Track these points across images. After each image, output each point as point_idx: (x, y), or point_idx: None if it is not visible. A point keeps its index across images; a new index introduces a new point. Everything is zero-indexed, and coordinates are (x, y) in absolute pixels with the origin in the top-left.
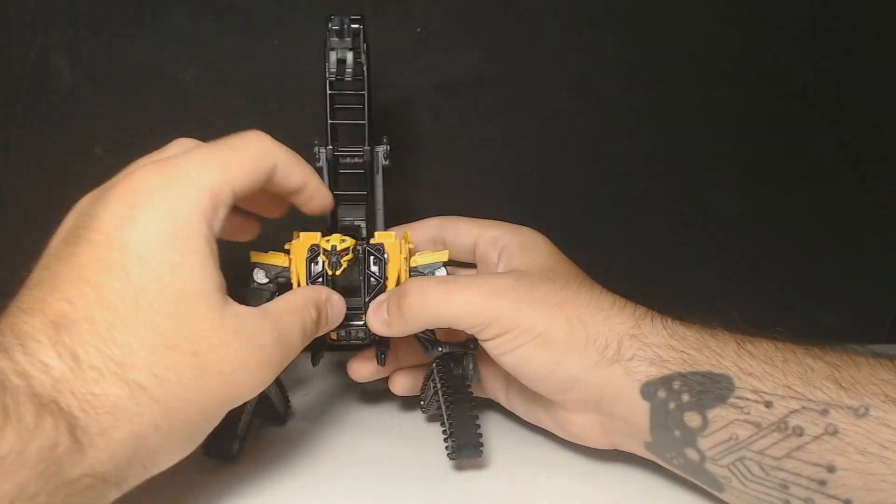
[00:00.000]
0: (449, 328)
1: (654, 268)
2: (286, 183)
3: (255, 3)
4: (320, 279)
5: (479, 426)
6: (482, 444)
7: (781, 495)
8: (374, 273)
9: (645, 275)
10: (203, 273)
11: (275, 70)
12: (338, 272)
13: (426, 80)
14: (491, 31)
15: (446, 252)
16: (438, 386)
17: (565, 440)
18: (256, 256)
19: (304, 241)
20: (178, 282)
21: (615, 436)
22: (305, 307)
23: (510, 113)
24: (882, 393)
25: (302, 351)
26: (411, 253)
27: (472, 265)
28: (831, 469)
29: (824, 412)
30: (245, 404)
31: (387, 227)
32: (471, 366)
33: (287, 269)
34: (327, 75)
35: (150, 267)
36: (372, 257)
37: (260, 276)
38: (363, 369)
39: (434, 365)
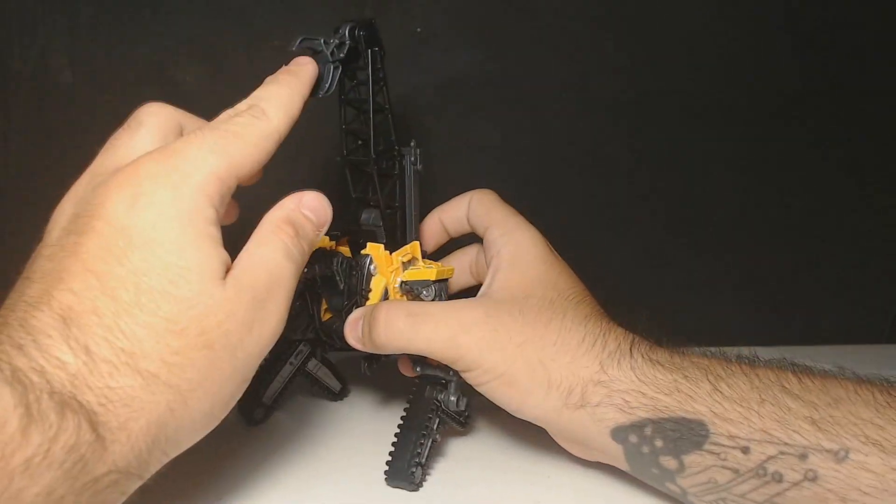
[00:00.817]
0: None
1: (653, 267)
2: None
3: (255, 3)
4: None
5: (418, 458)
6: (415, 478)
7: None
8: (353, 285)
9: (643, 274)
10: (206, 251)
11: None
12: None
13: (426, 80)
14: (491, 31)
15: (434, 269)
16: (408, 407)
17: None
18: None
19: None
20: (181, 262)
21: (602, 459)
22: (278, 229)
23: (510, 113)
24: (862, 434)
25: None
26: (405, 266)
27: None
28: None
29: (803, 457)
30: (276, 374)
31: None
32: (453, 396)
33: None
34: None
35: (153, 250)
36: (353, 269)
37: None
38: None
39: (416, 382)
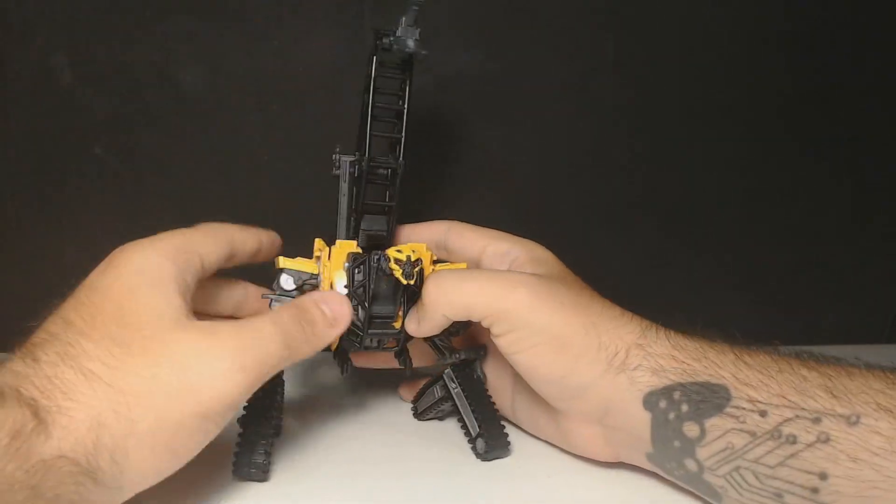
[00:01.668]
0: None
1: (653, 267)
2: (246, 248)
3: (255, 3)
4: (361, 288)
5: (504, 426)
6: (510, 443)
7: None
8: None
9: (643, 273)
10: (161, 296)
11: (275, 70)
12: (411, 281)
13: (426, 80)
14: (491, 31)
15: (464, 264)
16: (460, 391)
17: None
18: (284, 262)
19: (342, 248)
20: (133, 303)
21: (619, 447)
22: (282, 307)
23: (510, 113)
24: (874, 402)
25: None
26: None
27: None
28: (823, 476)
29: (817, 420)
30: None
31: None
32: (480, 372)
33: (315, 277)
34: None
35: (110, 294)
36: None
37: (288, 283)
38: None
39: (446, 373)
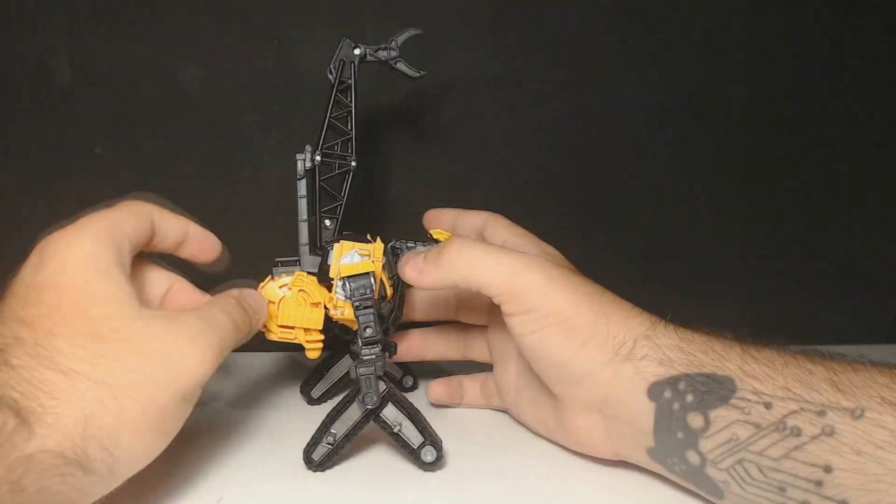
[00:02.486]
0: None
1: (653, 266)
2: (169, 231)
3: (255, 3)
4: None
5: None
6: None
7: (779, 498)
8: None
9: (642, 273)
10: (113, 285)
11: (275, 70)
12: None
13: (426, 80)
14: (491, 31)
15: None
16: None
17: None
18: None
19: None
20: (88, 295)
21: (619, 442)
22: (222, 297)
23: (510, 113)
24: (878, 396)
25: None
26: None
27: None
28: (828, 469)
29: (821, 413)
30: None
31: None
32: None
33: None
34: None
35: (62, 290)
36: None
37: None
38: (441, 393)
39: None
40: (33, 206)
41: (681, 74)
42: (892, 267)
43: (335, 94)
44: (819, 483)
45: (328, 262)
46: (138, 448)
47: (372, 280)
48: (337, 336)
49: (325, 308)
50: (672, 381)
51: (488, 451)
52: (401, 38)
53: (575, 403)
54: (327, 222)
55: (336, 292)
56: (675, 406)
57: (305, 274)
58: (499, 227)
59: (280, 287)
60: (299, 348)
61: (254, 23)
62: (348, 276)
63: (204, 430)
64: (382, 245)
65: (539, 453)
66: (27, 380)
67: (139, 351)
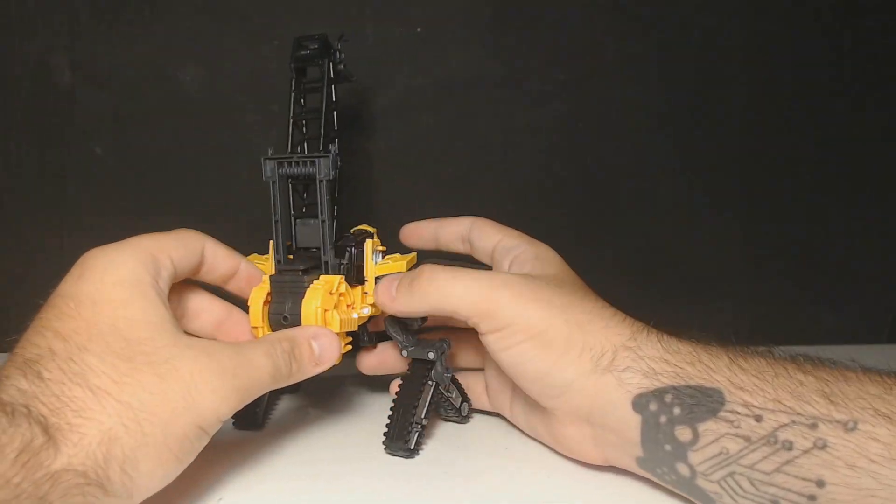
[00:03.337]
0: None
1: (653, 266)
2: (220, 264)
3: (255, 3)
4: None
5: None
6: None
7: None
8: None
9: (643, 273)
10: (151, 308)
11: (275, 70)
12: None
13: (426, 80)
14: (491, 31)
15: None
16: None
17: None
18: (380, 270)
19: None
20: (127, 314)
21: (607, 449)
22: (277, 339)
23: (510, 113)
24: (871, 407)
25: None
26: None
27: (489, 267)
28: (820, 484)
29: (813, 426)
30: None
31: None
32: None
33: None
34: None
35: (101, 306)
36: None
37: None
38: (369, 361)
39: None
40: (33, 206)
41: (681, 74)
42: (892, 267)
43: (328, 90)
44: (812, 497)
45: (354, 262)
46: (155, 472)
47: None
48: None
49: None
50: (658, 394)
51: (489, 450)
52: (341, 42)
53: (562, 414)
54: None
55: (374, 290)
56: (662, 419)
57: (342, 278)
58: (487, 231)
59: (329, 294)
60: None
61: (254, 23)
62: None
63: None
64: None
65: (537, 454)
66: (56, 395)
67: (163, 377)
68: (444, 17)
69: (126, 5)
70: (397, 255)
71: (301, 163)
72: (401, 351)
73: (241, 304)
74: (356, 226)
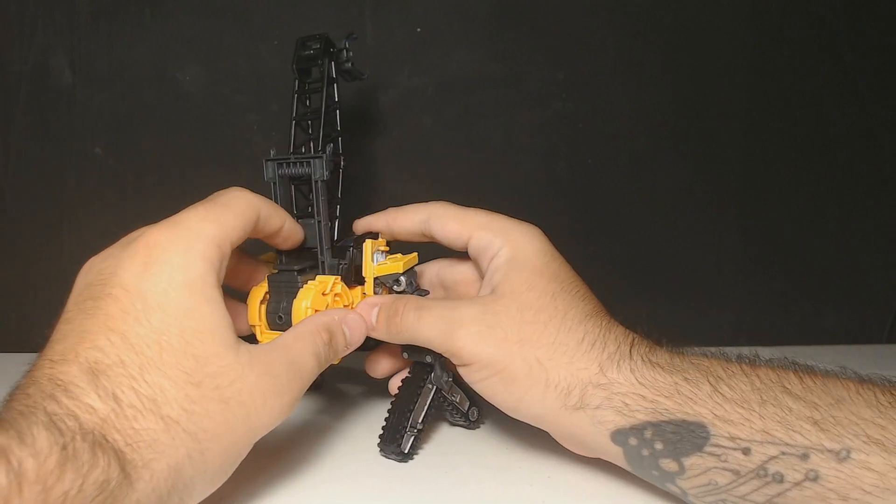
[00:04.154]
0: None
1: (654, 266)
2: (268, 227)
3: (255, 3)
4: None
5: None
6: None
7: None
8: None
9: (643, 272)
10: (216, 316)
11: (275, 70)
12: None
13: (426, 80)
14: (491, 31)
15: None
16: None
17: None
18: (379, 270)
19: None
20: (194, 324)
21: (602, 457)
22: (316, 331)
23: (510, 113)
24: (864, 434)
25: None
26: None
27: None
28: None
29: (804, 457)
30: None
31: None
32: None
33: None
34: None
35: (169, 313)
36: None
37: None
38: (379, 366)
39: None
40: (33, 206)
41: (681, 74)
42: (892, 267)
43: (328, 90)
44: None
45: (355, 262)
46: (205, 492)
47: (415, 270)
48: None
49: None
50: (635, 430)
51: (488, 450)
52: (350, 41)
53: (552, 432)
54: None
55: (373, 291)
56: (645, 452)
57: (338, 278)
58: (448, 226)
59: (322, 295)
60: None
61: (254, 23)
62: (405, 272)
63: None
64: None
65: (538, 456)
66: (132, 425)
67: (228, 402)
68: (444, 17)
69: (126, 5)
70: (398, 255)
71: (298, 163)
72: (401, 352)
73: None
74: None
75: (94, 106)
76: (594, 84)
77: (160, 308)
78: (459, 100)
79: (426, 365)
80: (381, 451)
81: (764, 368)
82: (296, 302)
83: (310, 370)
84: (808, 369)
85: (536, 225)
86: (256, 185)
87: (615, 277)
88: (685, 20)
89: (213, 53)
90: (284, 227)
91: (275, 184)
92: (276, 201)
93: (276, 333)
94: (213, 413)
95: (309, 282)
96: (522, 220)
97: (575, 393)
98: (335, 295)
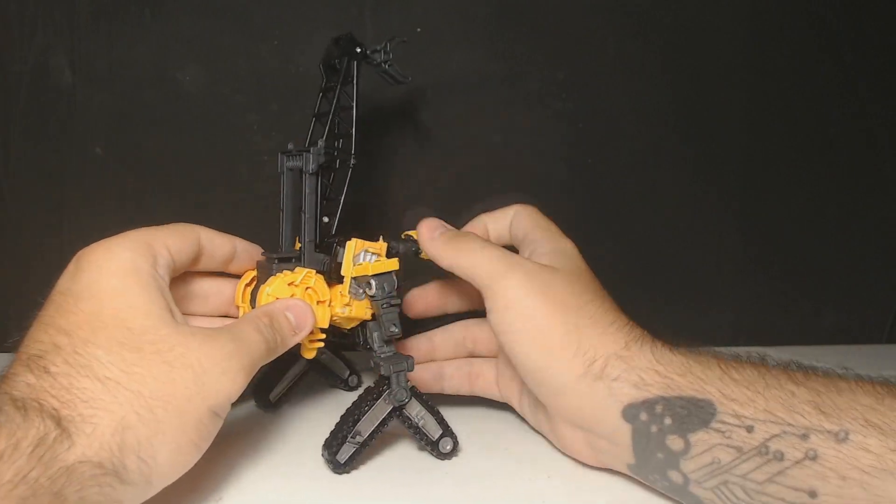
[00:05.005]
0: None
1: (654, 266)
2: (216, 250)
3: (255, 3)
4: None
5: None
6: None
7: None
8: None
9: (644, 272)
10: (150, 295)
11: (275, 70)
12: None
13: (426, 80)
14: (491, 31)
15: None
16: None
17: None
18: (374, 268)
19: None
20: (126, 301)
21: (601, 454)
22: (257, 315)
23: (510, 113)
24: (862, 417)
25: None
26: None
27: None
28: (812, 494)
29: (804, 437)
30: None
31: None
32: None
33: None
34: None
35: (100, 297)
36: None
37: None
38: (420, 303)
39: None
40: (33, 206)
41: (681, 74)
42: (892, 267)
43: (340, 90)
44: None
45: (338, 260)
46: (174, 459)
47: (395, 278)
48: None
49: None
50: (648, 405)
51: (489, 451)
52: (393, 44)
53: (555, 414)
54: (325, 219)
55: (349, 290)
56: (653, 428)
57: (314, 272)
58: (523, 220)
59: (288, 285)
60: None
61: (254, 23)
62: (375, 275)
63: None
64: (385, 244)
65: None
66: (65, 387)
67: (173, 364)
68: (444, 17)
69: (126, 5)
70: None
71: (297, 156)
72: (370, 360)
73: None
74: (379, 230)
75: (94, 106)
76: (594, 84)
77: (91, 296)
78: (459, 100)
79: (383, 378)
80: (322, 454)
81: (770, 363)
82: (261, 287)
83: (255, 344)
84: (811, 367)
85: None
86: (256, 185)
87: (615, 277)
88: (685, 20)
89: (213, 53)
90: (238, 250)
91: (281, 174)
92: (282, 193)
93: None
94: (158, 374)
95: (284, 271)
96: None
97: (598, 363)
98: (307, 288)
